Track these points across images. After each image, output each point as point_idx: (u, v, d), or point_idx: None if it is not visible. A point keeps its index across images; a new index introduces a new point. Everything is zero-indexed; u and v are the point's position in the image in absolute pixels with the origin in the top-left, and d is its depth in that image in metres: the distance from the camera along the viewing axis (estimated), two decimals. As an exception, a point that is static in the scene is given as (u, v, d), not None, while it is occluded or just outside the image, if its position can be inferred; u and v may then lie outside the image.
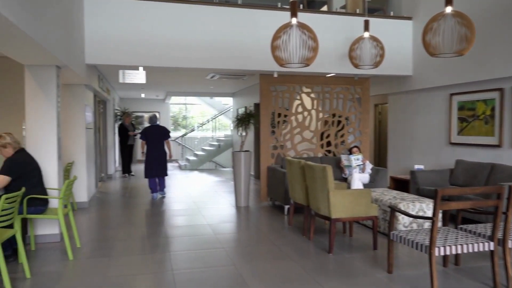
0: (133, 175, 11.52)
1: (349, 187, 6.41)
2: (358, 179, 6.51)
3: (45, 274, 3.83)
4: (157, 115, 14.94)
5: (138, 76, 6.93)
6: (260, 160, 7.49)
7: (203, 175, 12.21)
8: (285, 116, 7.66)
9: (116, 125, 12.41)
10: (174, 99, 17.04)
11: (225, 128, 17.67)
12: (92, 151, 7.77)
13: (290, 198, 5.71)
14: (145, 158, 7.91)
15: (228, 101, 16.15)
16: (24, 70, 4.85)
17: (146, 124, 13.22)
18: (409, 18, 7.62)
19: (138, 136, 10.70)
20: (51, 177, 4.87)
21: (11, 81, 6.56)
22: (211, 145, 14.73)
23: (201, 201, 7.68)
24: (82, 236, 5.13)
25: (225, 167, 14.81)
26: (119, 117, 12.88)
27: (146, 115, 15.72)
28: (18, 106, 6.33)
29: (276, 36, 4.96)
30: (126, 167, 11.45)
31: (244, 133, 7.47)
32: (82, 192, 6.99)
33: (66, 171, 6.53)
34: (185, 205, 7.25)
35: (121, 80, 6.92)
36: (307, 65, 5.02)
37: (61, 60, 4.71)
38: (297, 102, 7.73)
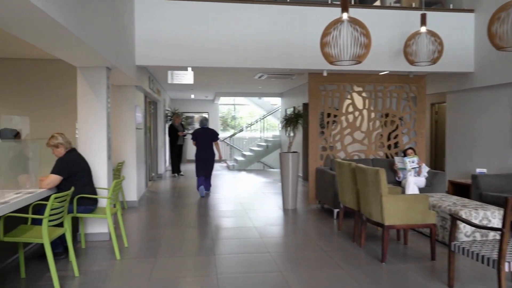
0: (182, 175, 11.67)
1: (403, 191, 6.04)
2: (413, 183, 6.13)
3: (92, 273, 3.87)
4: (207, 117, 15.22)
5: (186, 77, 6.96)
6: (309, 161, 7.26)
7: (251, 175, 12.15)
8: (335, 116, 7.39)
9: (167, 126, 12.65)
10: (223, 100, 17.15)
11: (274, 128, 17.54)
12: (142, 151, 7.92)
13: (340, 201, 5.46)
14: (195, 159, 8.27)
15: (277, 101, 16.02)
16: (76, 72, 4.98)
17: (196, 125, 13.86)
18: (470, 11, 7.08)
19: (189, 136, 11.22)
20: (101, 176, 4.96)
21: (67, 83, 6.80)
22: (259, 146, 14.66)
23: (248, 202, 7.59)
24: (130, 236, 5.18)
25: (273, 168, 14.69)
26: (169, 117, 13.12)
27: (196, 116, 15.95)
28: (72, 107, 6.55)
29: (325, 33, 4.75)
30: (175, 167, 11.62)
31: (292, 134, 7.29)
32: (132, 191, 7.12)
33: (117, 171, 6.66)
34: (232, 206, 7.18)
35: (169, 81, 6.98)
36: (359, 62, 4.76)
37: (111, 61, 4.78)
38: (347, 101, 7.43)
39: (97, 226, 4.98)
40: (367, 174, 4.40)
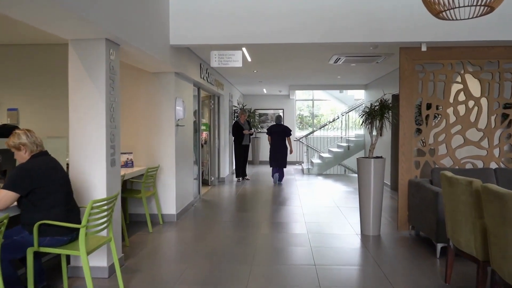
0: (247, 179, 10.19)
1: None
2: None
3: None
4: (281, 115, 13.83)
5: (234, 58, 5.41)
6: (399, 169, 5.29)
7: (328, 182, 10.28)
8: (438, 107, 5.31)
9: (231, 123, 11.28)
10: (299, 95, 15.38)
11: (358, 127, 15.32)
12: (187, 153, 6.56)
13: (449, 238, 3.49)
14: (269, 152, 9.54)
15: (361, 95, 13.84)
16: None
17: (269, 123, 14.01)
18: None
19: (258, 135, 11.24)
20: (98, 190, 3.61)
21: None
22: (339, 147, 12.69)
23: (315, 221, 5.83)
24: (138, 272, 3.77)
25: (356, 173, 12.63)
26: (236, 114, 11.75)
27: (271, 113, 14.50)
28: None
29: (428, -36, 2.86)
30: (240, 170, 10.17)
31: (375, 132, 5.39)
32: (170, 203, 5.78)
33: (150, 177, 5.37)
34: (294, 228, 5.49)
35: (212, 64, 5.48)
36: (490, 9, 2.79)
37: (113, 32, 3.42)
38: (457, 86, 5.30)
39: (95, 258, 3.64)
40: (509, 203, 2.44)
